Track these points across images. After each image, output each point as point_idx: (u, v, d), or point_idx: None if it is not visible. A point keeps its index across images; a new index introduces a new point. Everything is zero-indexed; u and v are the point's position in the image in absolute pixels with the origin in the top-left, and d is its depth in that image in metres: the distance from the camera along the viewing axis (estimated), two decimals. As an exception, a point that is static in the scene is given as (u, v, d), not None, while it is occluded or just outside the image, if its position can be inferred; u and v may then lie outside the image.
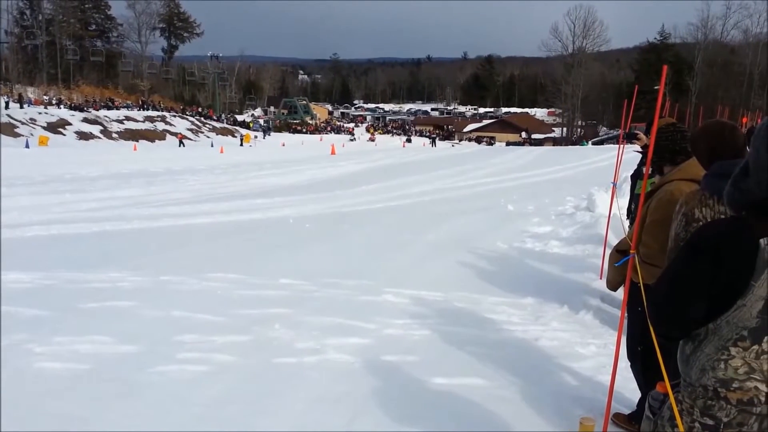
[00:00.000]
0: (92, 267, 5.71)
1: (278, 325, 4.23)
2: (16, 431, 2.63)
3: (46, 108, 59.16)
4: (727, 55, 68.27)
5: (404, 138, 76.68)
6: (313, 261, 6.48)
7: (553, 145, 61.29)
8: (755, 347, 1.42)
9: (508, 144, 65.85)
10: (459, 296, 5.18)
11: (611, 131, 69.27)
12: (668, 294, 1.51)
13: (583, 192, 10.86)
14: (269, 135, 70.62)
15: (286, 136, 70.03)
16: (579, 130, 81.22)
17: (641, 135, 4.66)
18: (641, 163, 4.78)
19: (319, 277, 5.63)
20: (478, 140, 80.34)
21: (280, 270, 5.85)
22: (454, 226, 8.98)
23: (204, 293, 5.04)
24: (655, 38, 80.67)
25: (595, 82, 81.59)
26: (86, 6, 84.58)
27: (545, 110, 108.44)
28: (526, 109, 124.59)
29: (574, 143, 67.49)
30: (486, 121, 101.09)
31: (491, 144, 70.87)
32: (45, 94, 66.51)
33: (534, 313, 4.80)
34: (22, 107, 57.18)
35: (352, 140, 68.53)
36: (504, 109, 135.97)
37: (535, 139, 77.27)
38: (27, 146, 36.10)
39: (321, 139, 67.10)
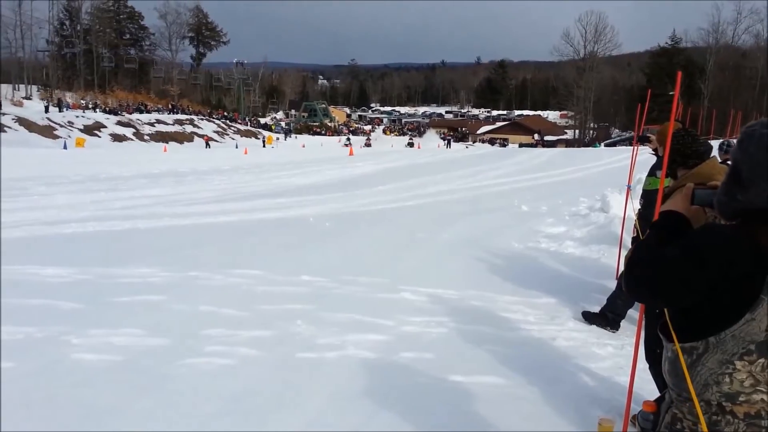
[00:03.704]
0: (125, 263, 5.72)
1: (300, 321, 4.21)
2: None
3: (83, 112, 59.91)
4: (738, 59, 67.15)
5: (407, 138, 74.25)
6: (332, 259, 6.45)
7: (566, 147, 60.81)
8: (762, 360, 1.32)
9: (521, 146, 65.37)
10: (475, 295, 5.12)
11: (623, 133, 68.43)
12: (658, 282, 1.37)
13: (596, 193, 10.71)
14: (290, 137, 70.92)
15: (306, 138, 70.23)
16: (591, 132, 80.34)
17: (653, 137, 4.57)
18: (655, 166, 4.69)
19: (339, 274, 5.60)
20: (492, 142, 79.88)
21: (301, 267, 5.82)
22: (469, 225, 8.90)
23: (229, 289, 5.03)
24: (666, 42, 79.46)
25: (607, 86, 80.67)
26: (121, 17, 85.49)
27: (557, 113, 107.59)
28: (539, 112, 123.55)
29: (586, 145, 66.81)
30: (499, 124, 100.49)
31: (504, 145, 70.39)
32: (82, 99, 67.34)
33: (550, 313, 4.73)
34: (61, 111, 57.95)
35: (347, 145, 66.47)
36: (517, 112, 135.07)
37: (547, 141, 76.71)
38: (65, 147, 36.52)
39: (339, 141, 67.30)
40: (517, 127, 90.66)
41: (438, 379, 3.40)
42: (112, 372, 3.29)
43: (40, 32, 70.56)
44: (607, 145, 55.70)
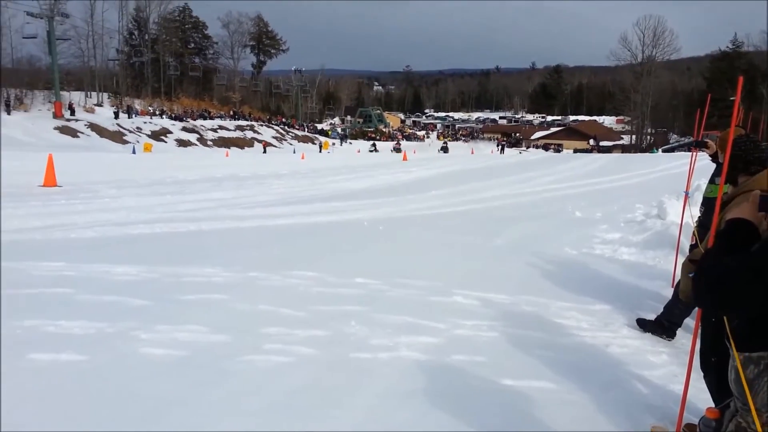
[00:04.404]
0: (189, 262, 5.92)
1: (354, 322, 4.27)
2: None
3: (150, 118, 62.16)
4: (802, 64, 63.98)
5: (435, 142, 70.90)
6: (386, 261, 6.50)
7: (622, 153, 59.17)
8: None
9: (576, 151, 64.04)
10: (527, 300, 5.08)
11: (682, 139, 66.07)
12: (722, 292, 1.37)
13: (653, 199, 10.42)
14: (346, 142, 71.54)
15: (361, 143, 70.70)
16: (649, 137, 77.85)
17: (710, 143, 4.44)
18: (715, 173, 4.56)
19: (392, 277, 5.64)
20: (546, 147, 78.58)
21: (355, 269, 5.89)
22: (521, 230, 8.82)
23: (286, 289, 5.14)
24: (728, 46, 76.32)
25: (666, 90, 78.05)
26: (186, 26, 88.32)
27: (614, 118, 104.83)
28: (594, 117, 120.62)
29: (643, 151, 64.87)
30: (553, 129, 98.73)
31: (558, 151, 69.12)
32: (150, 106, 69.83)
33: (603, 320, 4.64)
34: (130, 117, 60.29)
35: (371, 151, 61.42)
36: (572, 117, 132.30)
37: (603, 147, 74.85)
38: (134, 152, 37.90)
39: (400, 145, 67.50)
40: (571, 132, 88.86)
41: (489, 382, 3.39)
42: (177, 366, 3.42)
43: (111, 42, 73.48)
44: (664, 151, 53.92)
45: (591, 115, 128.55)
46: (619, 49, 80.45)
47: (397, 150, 60.31)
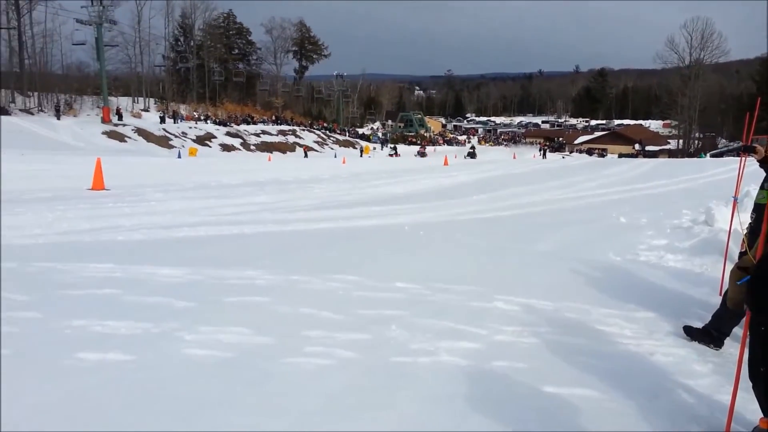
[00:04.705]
0: (233, 265, 6.02)
1: (394, 326, 4.28)
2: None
3: (195, 123, 63.64)
4: None
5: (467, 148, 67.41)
6: (426, 266, 6.49)
7: (669, 158, 57.74)
8: None
9: (621, 156, 62.74)
10: (569, 306, 5.00)
11: (731, 143, 64.08)
12: None
13: (700, 205, 10.14)
14: (387, 147, 71.66)
15: (402, 148, 70.68)
16: (696, 142, 75.72)
17: (759, 148, 4.30)
18: (766, 179, 4.42)
19: (432, 282, 5.63)
20: (590, 152, 77.27)
21: (395, 274, 5.90)
22: (564, 236, 8.69)
23: (327, 293, 5.18)
24: (779, 48, 73.65)
25: (714, 94, 75.83)
26: (231, 33, 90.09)
27: (660, 122, 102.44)
28: (640, 121, 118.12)
29: (691, 155, 63.15)
30: (598, 133, 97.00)
31: (603, 156, 67.84)
32: (195, 111, 71.42)
33: (648, 327, 4.54)
34: (175, 122, 61.82)
35: (391, 155, 59.42)
36: (616, 121, 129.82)
37: (649, 151, 73.22)
38: (179, 156, 38.75)
39: (434, 150, 67.16)
40: (616, 136, 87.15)
41: (530, 388, 3.36)
42: (220, 367, 3.49)
43: (157, 48, 75.56)
44: (712, 156, 52.35)
45: (636, 119, 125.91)
46: (665, 52, 78.60)
47: (422, 155, 58.13)
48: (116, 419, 2.82)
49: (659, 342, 4.22)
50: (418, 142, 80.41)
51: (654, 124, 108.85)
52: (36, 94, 59.22)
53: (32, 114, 55.77)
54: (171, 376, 3.34)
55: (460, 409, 3.07)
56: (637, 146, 79.14)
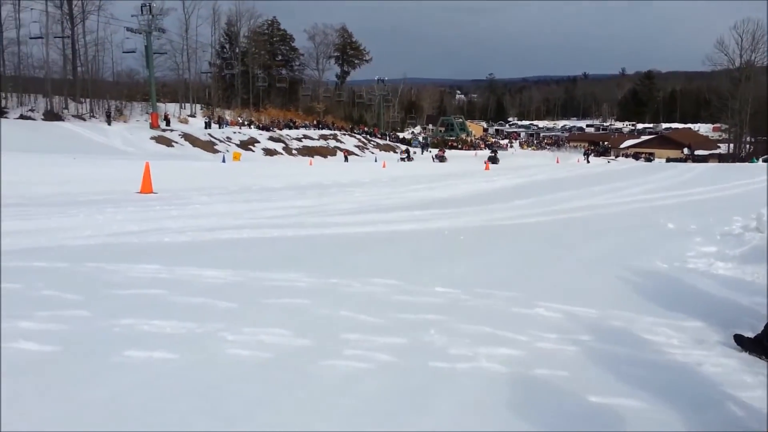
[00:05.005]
0: (274, 267, 6.09)
1: (433, 331, 4.26)
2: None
3: (239, 128, 64.84)
4: None
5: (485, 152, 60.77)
6: (466, 271, 6.44)
7: (719, 162, 56.01)
8: None
9: (669, 160, 61.12)
10: (613, 314, 4.88)
11: (784, 147, 61.78)
12: None
13: (752, 212, 9.78)
14: (427, 151, 71.52)
15: (446, 153, 70.36)
16: (747, 146, 73.23)
17: None
18: None
19: (472, 287, 5.58)
20: (636, 156, 75.57)
21: (434, 278, 5.87)
22: (608, 242, 8.50)
23: (366, 296, 5.19)
24: (835, 50, 70.80)
25: (765, 96, 73.25)
26: (274, 39, 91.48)
27: (710, 126, 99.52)
28: (689, 125, 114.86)
29: (742, 160, 61.12)
30: (645, 137, 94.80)
31: (650, 160, 66.23)
32: (239, 116, 72.79)
33: (696, 337, 4.39)
34: (220, 128, 63.11)
35: (404, 159, 54.98)
36: (664, 125, 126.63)
37: (698, 156, 71.16)
38: (224, 161, 39.52)
39: (475, 155, 66.69)
40: (664, 140, 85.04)
41: (573, 397, 3.29)
42: (262, 368, 3.53)
43: (204, 55, 77.29)
44: (765, 161, 50.50)
45: (685, 123, 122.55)
46: (715, 54, 76.31)
47: (441, 159, 54.77)
48: (164, 417, 2.87)
49: (708, 352, 4.09)
50: (459, 146, 79.97)
51: (703, 128, 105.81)
52: (88, 100, 61.36)
53: (84, 120, 57.79)
54: (216, 375, 3.39)
55: (501, 416, 3.03)
56: (685, 150, 77.05)
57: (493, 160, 53.16)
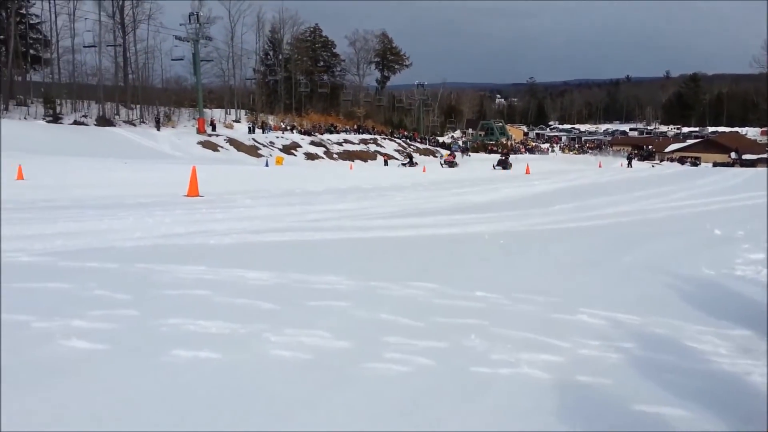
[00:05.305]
0: (315, 270, 6.15)
1: (474, 335, 4.22)
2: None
3: (282, 133, 65.78)
4: None
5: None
6: (506, 276, 6.37)
7: (768, 167, 54.03)
8: None
9: (715, 165, 59.28)
10: (658, 321, 4.76)
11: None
12: None
13: (803, 218, 9.41)
14: (467, 155, 71.11)
15: (482, 156, 69.95)
16: (799, 150, 70.44)
17: None
18: None
19: (513, 291, 5.51)
20: (681, 161, 73.55)
21: (475, 282, 5.81)
22: (652, 248, 8.29)
23: (406, 299, 5.19)
24: None
25: (818, 99, 70.58)
26: (316, 45, 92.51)
27: (758, 129, 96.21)
28: (736, 128, 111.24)
29: (792, 164, 58.78)
30: (690, 141, 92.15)
31: (696, 165, 64.37)
32: (282, 121, 73.82)
33: (744, 346, 4.24)
34: (264, 132, 64.12)
35: (405, 164, 51.66)
36: (710, 129, 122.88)
37: (746, 160, 68.83)
38: (267, 165, 40.12)
39: (515, 158, 65.92)
40: (710, 144, 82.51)
41: (616, 405, 3.21)
42: (304, 369, 3.56)
43: (248, 62, 78.66)
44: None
45: (732, 127, 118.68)
46: (762, 55, 73.77)
47: (450, 164, 49.43)
48: (211, 415, 2.92)
49: (756, 361, 3.94)
50: (498, 150, 79.18)
51: (751, 132, 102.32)
52: (138, 106, 63.15)
53: (134, 125, 59.50)
54: (259, 375, 3.43)
55: (543, 422, 2.98)
56: (733, 155, 74.62)
57: (504, 165, 47.30)
